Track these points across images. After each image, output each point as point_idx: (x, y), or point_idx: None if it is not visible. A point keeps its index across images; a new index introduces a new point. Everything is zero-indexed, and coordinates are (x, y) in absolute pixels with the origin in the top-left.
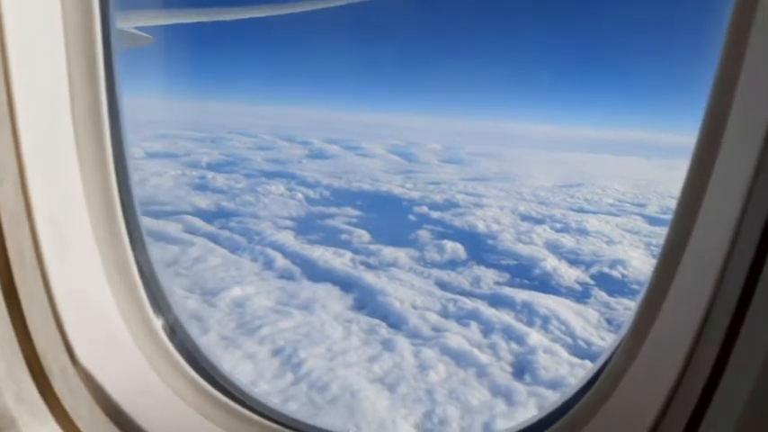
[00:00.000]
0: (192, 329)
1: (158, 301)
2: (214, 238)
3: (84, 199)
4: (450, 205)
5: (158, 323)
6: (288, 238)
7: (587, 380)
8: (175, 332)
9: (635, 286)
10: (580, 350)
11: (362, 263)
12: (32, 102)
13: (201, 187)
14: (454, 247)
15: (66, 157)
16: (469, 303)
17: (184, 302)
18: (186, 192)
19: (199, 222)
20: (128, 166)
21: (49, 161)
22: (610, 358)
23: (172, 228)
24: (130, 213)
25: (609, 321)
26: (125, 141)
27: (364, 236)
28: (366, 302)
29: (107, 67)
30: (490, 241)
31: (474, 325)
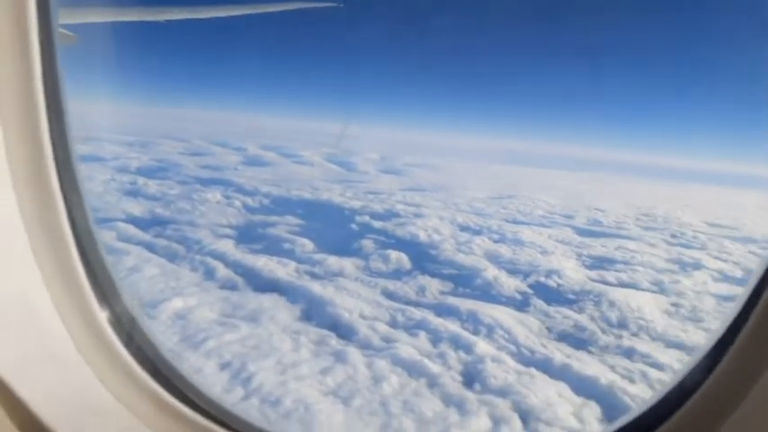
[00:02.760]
0: (152, 326)
1: (105, 289)
2: (150, 247)
3: (3, 149)
4: (391, 215)
5: (104, 317)
6: (228, 247)
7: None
8: (129, 331)
9: (570, 295)
10: (525, 358)
11: (308, 272)
12: None
13: (133, 193)
14: (399, 257)
15: None
16: (417, 313)
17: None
18: (117, 198)
19: (133, 230)
20: (65, 118)
21: None
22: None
23: (104, 236)
24: (67, 170)
25: (549, 329)
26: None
27: (308, 245)
28: (314, 313)
29: (48, 69)
30: (432, 251)
31: (423, 335)
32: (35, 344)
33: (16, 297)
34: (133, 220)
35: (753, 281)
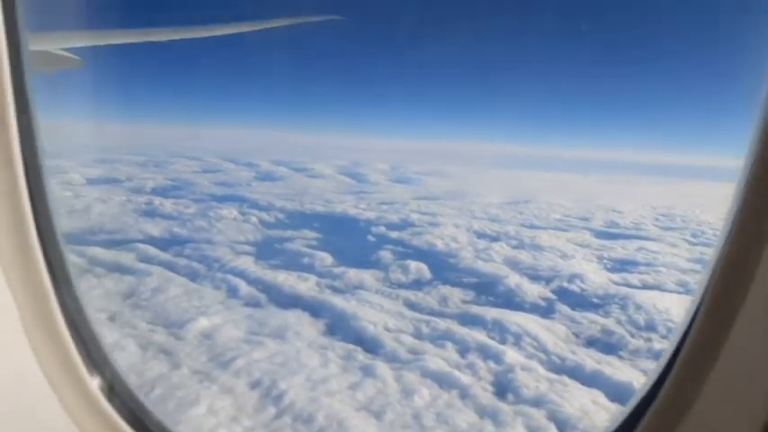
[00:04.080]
0: (138, 388)
1: (92, 354)
2: (171, 267)
3: None
4: (406, 225)
5: (94, 383)
6: (248, 264)
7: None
8: (116, 393)
9: (595, 300)
10: (555, 365)
11: (329, 286)
12: None
13: (150, 213)
14: (418, 267)
15: None
16: (441, 323)
17: (150, 336)
18: (134, 219)
19: (153, 250)
20: (45, 188)
21: None
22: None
23: (125, 257)
24: (51, 245)
25: (576, 335)
26: (41, 162)
27: (326, 258)
28: (338, 327)
29: (18, 88)
30: (451, 260)
31: (449, 345)
32: (29, 419)
33: (8, 371)
34: (152, 241)
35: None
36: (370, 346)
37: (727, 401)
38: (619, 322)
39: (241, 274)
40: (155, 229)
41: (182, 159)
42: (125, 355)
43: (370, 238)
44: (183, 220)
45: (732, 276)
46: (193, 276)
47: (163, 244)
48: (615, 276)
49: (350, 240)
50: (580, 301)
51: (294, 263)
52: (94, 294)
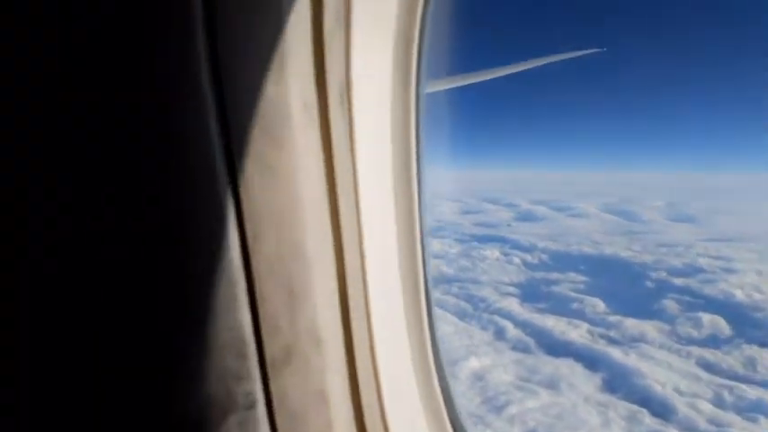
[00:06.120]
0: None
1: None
2: (440, 304)
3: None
4: (694, 271)
5: None
6: (514, 306)
7: None
8: None
9: None
10: None
11: (603, 336)
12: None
13: None
14: (713, 321)
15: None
16: (750, 391)
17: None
18: None
19: None
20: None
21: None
22: None
23: None
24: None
25: None
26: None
27: (598, 305)
28: (618, 384)
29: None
30: (756, 314)
31: (762, 419)
32: None
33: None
34: None
35: None
36: (659, 409)
37: None
38: None
39: (507, 316)
40: None
41: (443, 201)
42: None
43: (649, 284)
44: (449, 260)
45: None
46: (461, 315)
47: (432, 282)
48: None
49: (623, 286)
50: None
51: (562, 307)
52: None
